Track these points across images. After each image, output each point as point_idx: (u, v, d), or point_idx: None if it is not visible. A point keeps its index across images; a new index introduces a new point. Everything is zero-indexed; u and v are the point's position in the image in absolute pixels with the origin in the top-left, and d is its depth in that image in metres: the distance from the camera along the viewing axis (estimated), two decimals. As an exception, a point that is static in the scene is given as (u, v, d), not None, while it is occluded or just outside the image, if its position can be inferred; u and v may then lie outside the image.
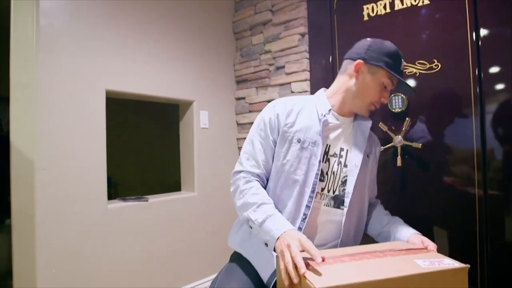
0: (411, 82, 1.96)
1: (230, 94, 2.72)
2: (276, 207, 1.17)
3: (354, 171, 1.24)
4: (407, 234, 1.20)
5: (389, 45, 1.23)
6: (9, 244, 1.66)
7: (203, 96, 2.50)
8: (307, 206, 1.18)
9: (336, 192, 1.24)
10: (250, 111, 2.66)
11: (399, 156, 1.95)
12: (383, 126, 2.01)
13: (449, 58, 1.86)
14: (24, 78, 1.69)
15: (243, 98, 2.70)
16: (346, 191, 1.23)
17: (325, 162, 1.24)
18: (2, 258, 2.05)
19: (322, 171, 1.22)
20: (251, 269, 1.21)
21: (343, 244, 1.21)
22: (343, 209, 1.22)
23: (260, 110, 2.68)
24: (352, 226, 1.26)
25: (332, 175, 1.24)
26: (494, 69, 1.73)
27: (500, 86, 1.72)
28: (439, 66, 1.88)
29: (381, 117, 2.06)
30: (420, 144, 1.89)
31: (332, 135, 1.26)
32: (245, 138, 2.58)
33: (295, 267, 0.89)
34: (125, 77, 2.05)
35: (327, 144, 1.25)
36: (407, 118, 1.94)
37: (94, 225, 1.88)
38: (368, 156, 1.30)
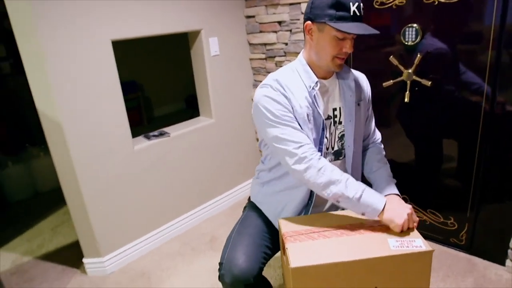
0: (428, 12, 1.81)
1: (239, 13, 2.58)
2: (284, 172, 1.33)
3: (349, 126, 1.32)
4: (386, 192, 1.30)
5: None
6: (58, 193, 1.95)
7: (211, 22, 2.41)
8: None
9: (336, 148, 1.36)
10: (261, 31, 2.56)
11: (407, 92, 1.94)
12: (393, 60, 1.95)
13: (473, -14, 1.66)
14: (30, 46, 1.73)
15: (253, 16, 2.57)
16: (346, 144, 1.35)
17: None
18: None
19: None
20: (263, 215, 1.44)
21: None
22: (341, 159, 1.37)
23: (271, 31, 2.60)
24: (356, 170, 1.41)
25: (331, 135, 1.34)
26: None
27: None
28: (461, -6, 1.69)
29: (393, 49, 1.98)
30: (430, 82, 1.86)
31: (324, 100, 1.30)
32: (258, 59, 2.60)
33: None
34: (128, 23, 2.01)
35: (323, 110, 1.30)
36: (418, 55, 1.85)
37: (125, 165, 2.15)
38: (358, 104, 1.34)
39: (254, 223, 1.42)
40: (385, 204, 1.15)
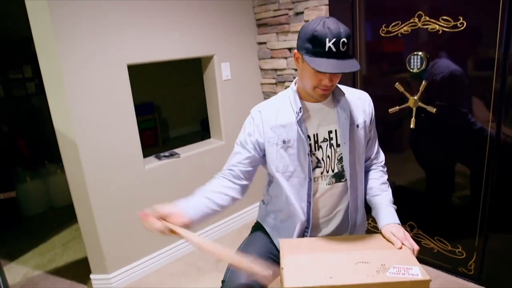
0: (433, 40, 1.85)
1: (251, 39, 2.68)
2: (283, 200, 1.39)
3: (344, 148, 1.32)
4: (386, 221, 1.31)
5: (310, 27, 1.16)
6: (72, 209, 2.03)
7: (224, 47, 2.51)
8: (308, 195, 1.34)
9: (335, 170, 1.36)
10: (271, 57, 2.64)
11: (413, 118, 1.96)
12: (399, 87, 1.98)
13: (476, 17, 1.69)
14: (50, 68, 1.85)
15: (265, 43, 2.66)
16: (345, 167, 1.35)
17: (318, 150, 1.33)
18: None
19: (317, 158, 1.33)
20: (268, 236, 1.47)
21: (351, 211, 1.39)
22: (343, 181, 1.37)
23: (281, 57, 2.69)
24: (357, 192, 1.41)
25: (328, 159, 1.34)
26: (522, 35, 1.58)
27: (526, 54, 1.59)
28: (464, 24, 1.73)
29: (399, 76, 2.01)
30: (435, 109, 1.87)
31: (316, 123, 1.33)
32: (269, 83, 2.66)
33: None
34: (143, 48, 2.12)
35: (314, 134, 1.33)
36: (423, 82, 1.88)
37: (135, 184, 2.21)
38: (357, 126, 1.35)
39: (259, 242, 1.44)
40: None
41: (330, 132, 1.34)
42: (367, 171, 1.50)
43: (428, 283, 1.07)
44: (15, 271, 2.48)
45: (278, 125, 1.31)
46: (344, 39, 1.13)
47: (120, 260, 2.22)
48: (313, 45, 1.14)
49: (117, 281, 2.19)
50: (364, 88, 2.19)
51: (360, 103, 1.39)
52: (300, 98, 1.32)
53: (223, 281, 1.33)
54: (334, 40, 1.11)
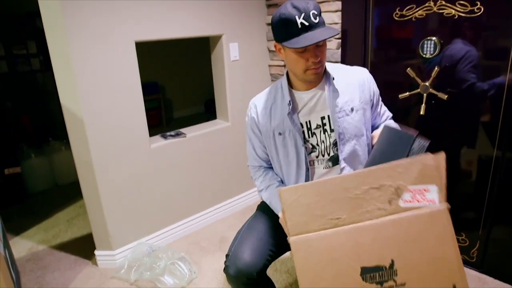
0: (448, 25, 1.81)
1: (260, 20, 2.63)
2: (283, 182, 1.45)
3: (339, 132, 1.32)
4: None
5: (277, 14, 1.17)
6: (76, 186, 2.03)
7: (233, 27, 2.47)
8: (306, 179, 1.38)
9: (331, 154, 1.36)
10: (280, 39, 2.60)
11: (423, 104, 1.94)
12: (411, 72, 1.94)
13: (494, 2, 1.65)
14: (58, 44, 1.82)
15: (274, 24, 2.61)
16: (340, 150, 1.34)
17: (312, 137, 1.35)
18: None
19: (312, 144, 1.36)
20: (274, 215, 1.46)
21: None
22: (340, 162, 1.36)
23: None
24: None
25: (322, 143, 1.36)
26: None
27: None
28: (482, 9, 1.69)
29: (411, 62, 1.98)
30: (446, 96, 1.85)
31: (309, 111, 1.34)
32: (277, 65, 2.64)
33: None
34: (152, 25, 2.09)
35: (307, 121, 1.34)
36: (436, 67, 1.85)
37: (141, 162, 2.21)
38: (351, 109, 1.33)
39: (264, 221, 1.46)
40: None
41: (323, 118, 1.35)
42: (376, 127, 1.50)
43: (447, 212, 0.94)
44: (20, 245, 2.51)
45: (272, 118, 1.36)
46: (314, 11, 1.14)
47: (124, 237, 2.24)
48: (285, 28, 1.15)
49: (121, 257, 2.21)
50: (374, 73, 2.15)
51: (357, 83, 1.36)
52: (293, 88, 1.34)
53: (227, 255, 1.36)
54: (303, 15, 1.12)
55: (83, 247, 2.43)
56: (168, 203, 2.41)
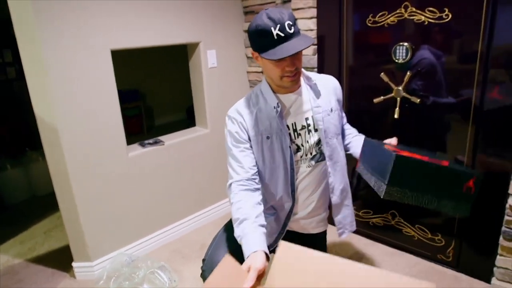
0: (418, 31, 1.86)
1: (238, 27, 2.65)
2: (270, 189, 1.43)
3: (322, 132, 1.38)
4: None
5: (253, 24, 1.20)
6: (54, 197, 2.00)
7: (210, 34, 2.48)
8: (292, 183, 1.40)
9: (314, 153, 1.42)
10: (258, 45, 2.62)
11: (397, 108, 1.98)
12: (384, 77, 1.99)
13: (461, 9, 1.71)
14: (31, 52, 1.80)
15: (251, 30, 2.63)
16: (323, 148, 1.40)
17: (298, 137, 1.39)
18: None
19: (297, 145, 1.39)
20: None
21: (334, 184, 1.46)
22: (322, 161, 1.43)
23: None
24: (336, 170, 1.46)
25: (306, 143, 1.40)
26: (508, 27, 1.60)
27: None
28: (450, 16, 1.75)
29: (385, 67, 2.02)
30: (418, 100, 1.90)
31: (294, 113, 1.38)
32: (255, 72, 2.65)
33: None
34: (128, 34, 2.07)
35: (293, 123, 1.38)
36: (408, 72, 1.90)
37: (118, 171, 2.18)
38: (331, 110, 1.41)
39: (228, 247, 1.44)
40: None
41: (307, 119, 1.39)
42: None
43: None
44: (-5, 259, 2.44)
45: (259, 123, 1.36)
46: (289, 22, 1.17)
47: (103, 247, 2.20)
48: (262, 39, 1.18)
49: (100, 268, 2.17)
50: (350, 78, 2.21)
51: (331, 87, 1.46)
52: (274, 92, 1.36)
53: (203, 260, 1.38)
54: (279, 26, 1.15)
55: (61, 259, 2.37)
56: (147, 212, 2.38)
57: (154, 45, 2.22)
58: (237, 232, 1.20)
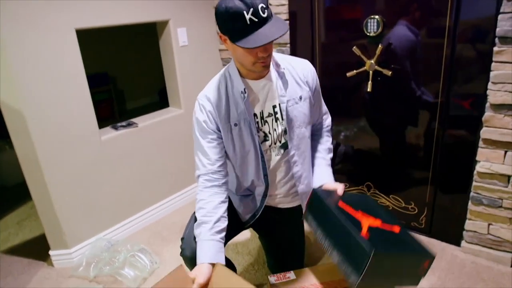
0: (389, 5, 1.87)
1: (208, 3, 2.58)
2: (242, 175, 1.45)
3: (289, 120, 1.36)
4: (321, 181, 1.43)
5: (223, 6, 1.07)
6: (24, 187, 1.93)
7: (180, 11, 2.40)
8: (263, 168, 1.40)
9: (282, 141, 1.41)
10: (230, 22, 2.57)
11: (370, 81, 2.01)
12: (356, 51, 2.00)
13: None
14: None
15: (222, 7, 2.57)
16: (289, 137, 1.39)
17: (264, 125, 1.37)
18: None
19: (264, 133, 1.37)
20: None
21: (301, 174, 1.46)
22: (289, 148, 1.41)
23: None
24: (305, 159, 1.46)
25: (274, 131, 1.38)
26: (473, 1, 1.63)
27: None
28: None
29: (357, 42, 2.03)
30: (390, 72, 1.93)
31: (262, 100, 1.34)
32: (227, 50, 2.60)
33: None
34: (93, 12, 1.98)
35: (260, 111, 1.35)
36: (379, 45, 1.92)
37: (92, 155, 2.13)
38: (300, 98, 1.37)
39: None
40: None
41: (274, 106, 1.37)
42: (313, 134, 1.54)
43: None
44: (-34, 253, 2.35)
45: (226, 108, 1.31)
46: (262, 4, 1.07)
47: (80, 234, 2.16)
48: (233, 23, 1.08)
49: (78, 255, 2.14)
50: (323, 55, 2.21)
51: (303, 74, 1.40)
52: (242, 76, 1.31)
53: (182, 238, 1.41)
54: (251, 10, 1.05)
55: (36, 249, 2.31)
56: (124, 195, 2.35)
57: (122, 24, 2.14)
58: (196, 232, 1.27)
